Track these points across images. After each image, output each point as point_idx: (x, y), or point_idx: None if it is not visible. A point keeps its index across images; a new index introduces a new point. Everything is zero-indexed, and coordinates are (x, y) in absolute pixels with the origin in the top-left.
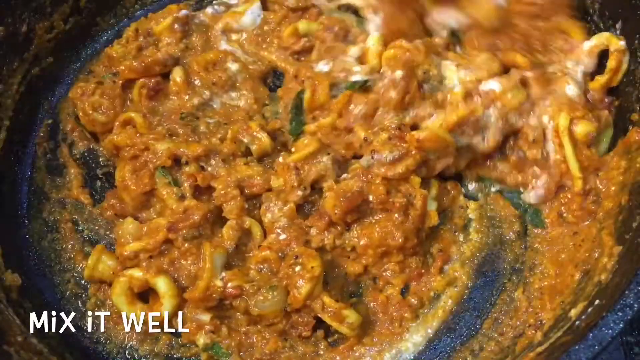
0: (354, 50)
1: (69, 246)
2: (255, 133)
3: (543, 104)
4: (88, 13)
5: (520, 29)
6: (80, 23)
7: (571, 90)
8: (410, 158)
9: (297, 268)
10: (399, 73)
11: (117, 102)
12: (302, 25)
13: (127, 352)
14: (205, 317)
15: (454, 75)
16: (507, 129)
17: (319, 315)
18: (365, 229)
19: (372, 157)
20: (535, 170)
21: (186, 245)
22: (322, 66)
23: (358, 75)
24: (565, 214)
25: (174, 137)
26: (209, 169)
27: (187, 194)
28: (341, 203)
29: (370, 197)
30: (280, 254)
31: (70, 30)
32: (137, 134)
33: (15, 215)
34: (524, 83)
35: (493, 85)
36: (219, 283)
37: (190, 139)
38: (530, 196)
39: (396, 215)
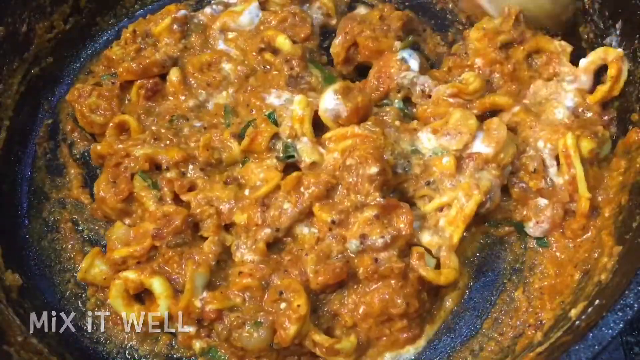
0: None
1: (69, 246)
2: (226, 141)
3: (534, 132)
4: (88, 13)
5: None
6: (80, 23)
7: (560, 113)
8: (401, 239)
9: (283, 305)
10: (374, 169)
11: (115, 103)
12: (280, 39)
13: (127, 352)
14: (192, 329)
15: (432, 143)
16: (506, 177)
17: (311, 351)
18: (361, 296)
19: (362, 242)
20: (539, 202)
21: (170, 253)
22: (273, 99)
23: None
24: (565, 231)
25: (157, 142)
26: (189, 174)
27: (167, 199)
28: (325, 274)
29: (360, 270)
30: (263, 283)
31: (70, 30)
32: (117, 142)
33: (15, 215)
34: (512, 129)
35: (482, 148)
36: (197, 304)
37: (168, 143)
38: (535, 230)
39: (393, 281)
